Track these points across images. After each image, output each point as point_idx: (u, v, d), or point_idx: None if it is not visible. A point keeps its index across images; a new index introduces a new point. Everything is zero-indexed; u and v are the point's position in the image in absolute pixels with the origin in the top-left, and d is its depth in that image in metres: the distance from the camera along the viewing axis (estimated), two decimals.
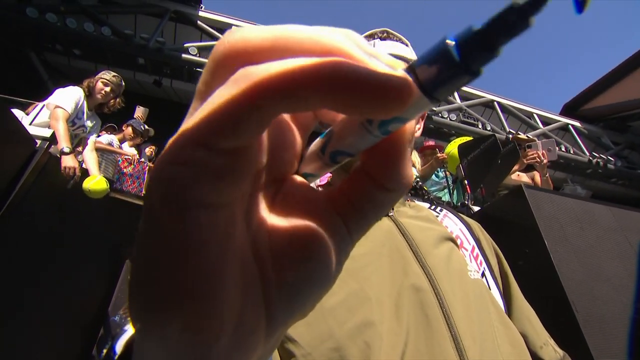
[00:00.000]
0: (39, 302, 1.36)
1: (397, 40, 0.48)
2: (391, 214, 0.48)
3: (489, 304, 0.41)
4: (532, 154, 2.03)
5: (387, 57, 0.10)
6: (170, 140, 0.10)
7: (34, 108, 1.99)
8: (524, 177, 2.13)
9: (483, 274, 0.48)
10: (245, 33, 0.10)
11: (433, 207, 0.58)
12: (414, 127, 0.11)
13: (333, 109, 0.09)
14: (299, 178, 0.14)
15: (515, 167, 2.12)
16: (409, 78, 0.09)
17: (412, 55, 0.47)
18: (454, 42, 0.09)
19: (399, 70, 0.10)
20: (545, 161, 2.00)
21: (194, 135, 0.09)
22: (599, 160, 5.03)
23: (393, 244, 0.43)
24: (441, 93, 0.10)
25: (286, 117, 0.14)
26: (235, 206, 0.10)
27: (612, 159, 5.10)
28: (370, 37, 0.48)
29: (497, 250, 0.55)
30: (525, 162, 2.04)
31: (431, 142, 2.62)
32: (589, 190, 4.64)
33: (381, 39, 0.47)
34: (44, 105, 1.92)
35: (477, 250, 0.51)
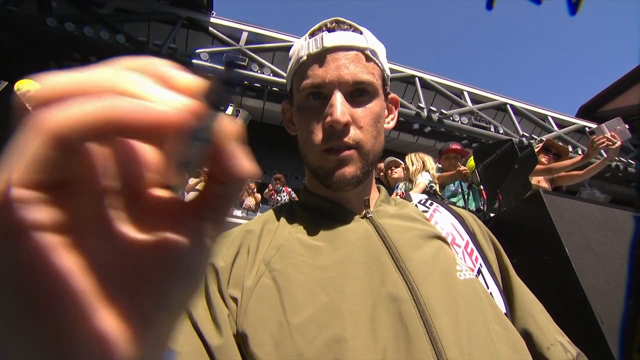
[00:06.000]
0: None
1: (347, 29, 0.45)
2: (370, 215, 0.44)
3: (485, 305, 0.37)
4: (601, 140, 1.82)
5: (183, 81, 0.13)
6: None
7: None
8: (543, 183, 2.06)
9: (479, 272, 0.44)
10: (46, 83, 0.11)
11: (422, 201, 0.54)
12: (233, 130, 0.14)
13: (121, 136, 0.12)
14: (160, 191, 0.15)
15: (576, 159, 1.94)
16: (177, 113, 0.12)
17: (365, 43, 0.45)
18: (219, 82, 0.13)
19: (183, 97, 0.13)
20: (619, 143, 1.80)
21: (9, 176, 0.11)
22: (619, 163, 4.87)
23: (370, 249, 0.39)
24: (219, 105, 0.13)
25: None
26: (76, 228, 0.12)
27: (632, 162, 4.94)
28: (319, 30, 0.46)
29: (496, 242, 0.51)
30: (593, 149, 1.85)
31: (456, 146, 2.48)
32: (608, 194, 4.50)
33: (329, 30, 0.45)
34: None
35: (471, 245, 0.47)
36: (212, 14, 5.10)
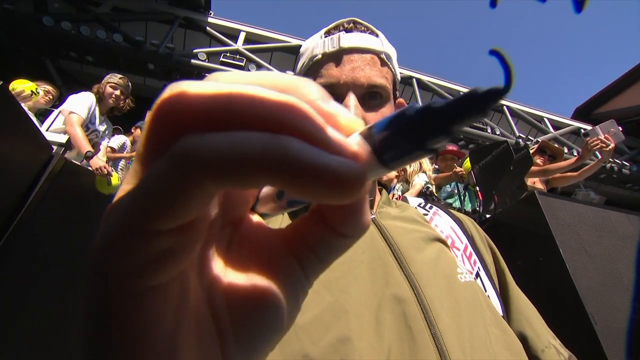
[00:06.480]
0: (56, 309, 1.37)
1: (364, 31, 0.45)
2: (373, 216, 0.44)
3: (484, 308, 0.38)
4: (594, 141, 1.86)
5: (345, 118, 0.10)
6: (106, 219, 0.09)
7: (49, 114, 2.04)
8: (538, 184, 2.08)
9: (477, 275, 0.45)
10: (186, 90, 0.09)
11: (422, 204, 0.55)
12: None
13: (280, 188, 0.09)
14: (254, 218, 0.14)
15: (571, 161, 1.98)
16: (363, 172, 0.09)
17: (381, 47, 0.44)
18: (414, 118, 0.09)
19: (355, 136, 0.10)
20: (612, 145, 1.85)
21: (132, 222, 0.08)
22: (613, 165, 4.91)
23: (374, 250, 0.39)
24: (396, 164, 0.10)
25: None
26: (186, 270, 0.10)
27: (627, 163, 4.99)
28: (336, 29, 0.45)
29: (493, 247, 0.51)
30: (588, 151, 1.90)
31: (452, 147, 2.51)
32: (602, 195, 4.53)
33: (346, 30, 0.44)
34: (59, 112, 1.96)
35: (470, 248, 0.48)
36: (210, 13, 5.08)
